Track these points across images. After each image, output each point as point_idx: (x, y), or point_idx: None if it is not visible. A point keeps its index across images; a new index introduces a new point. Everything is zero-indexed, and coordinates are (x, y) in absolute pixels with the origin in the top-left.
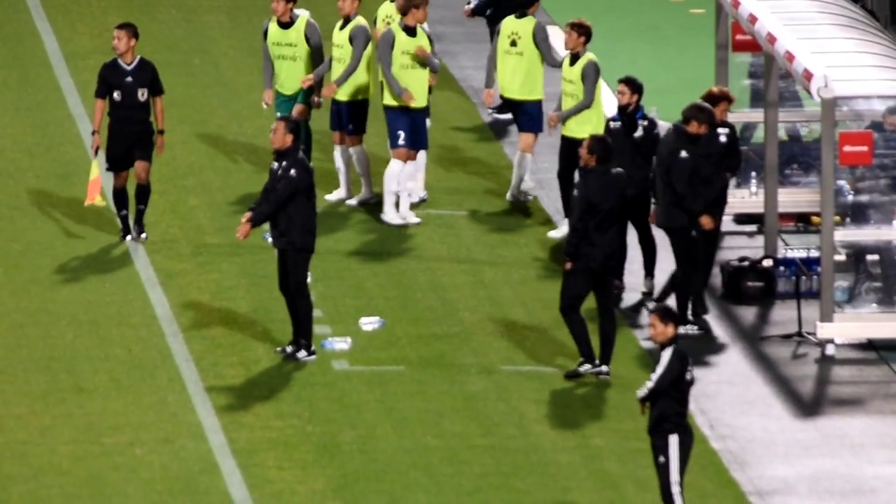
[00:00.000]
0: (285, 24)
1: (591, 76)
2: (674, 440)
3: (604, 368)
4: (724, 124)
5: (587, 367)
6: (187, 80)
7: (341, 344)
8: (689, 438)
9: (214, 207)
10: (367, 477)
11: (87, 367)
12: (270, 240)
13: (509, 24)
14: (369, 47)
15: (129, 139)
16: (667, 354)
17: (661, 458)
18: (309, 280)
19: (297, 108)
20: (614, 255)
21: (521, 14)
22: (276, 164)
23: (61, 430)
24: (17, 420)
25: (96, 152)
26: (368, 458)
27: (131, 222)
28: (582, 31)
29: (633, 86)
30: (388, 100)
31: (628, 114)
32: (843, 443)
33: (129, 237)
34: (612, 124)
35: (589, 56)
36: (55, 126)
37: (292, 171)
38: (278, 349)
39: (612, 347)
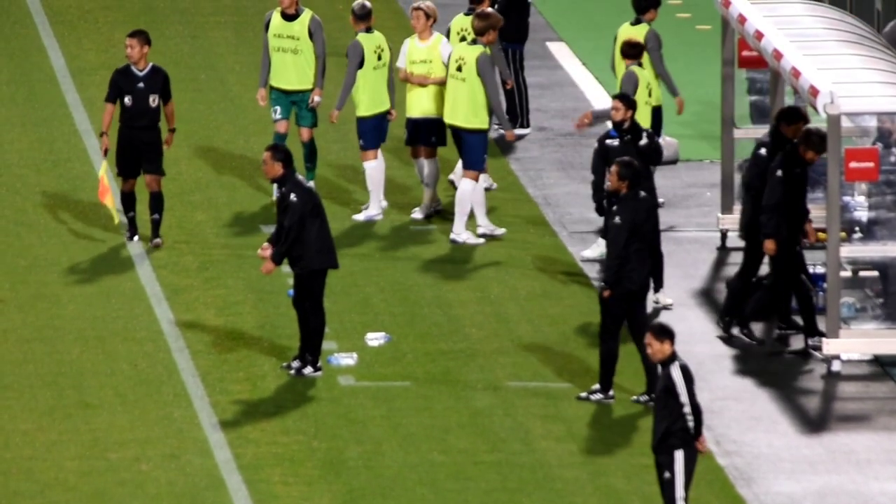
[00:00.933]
0: (290, 17)
1: (628, 86)
2: (679, 456)
3: (642, 398)
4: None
5: (599, 396)
6: (194, 96)
7: (347, 360)
8: (694, 454)
9: (221, 223)
10: (372, 493)
11: (93, 382)
12: (293, 294)
13: (458, 49)
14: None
15: (138, 146)
16: (675, 371)
17: (667, 474)
18: None
19: (305, 133)
20: (649, 277)
21: (473, 41)
22: (277, 192)
23: (67, 446)
24: (24, 436)
25: (105, 154)
26: (374, 473)
27: (141, 228)
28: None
29: (628, 102)
30: (480, 123)
31: (625, 129)
32: (849, 459)
33: (135, 237)
34: (608, 141)
35: (635, 69)
36: (62, 142)
37: (292, 197)
38: (284, 365)
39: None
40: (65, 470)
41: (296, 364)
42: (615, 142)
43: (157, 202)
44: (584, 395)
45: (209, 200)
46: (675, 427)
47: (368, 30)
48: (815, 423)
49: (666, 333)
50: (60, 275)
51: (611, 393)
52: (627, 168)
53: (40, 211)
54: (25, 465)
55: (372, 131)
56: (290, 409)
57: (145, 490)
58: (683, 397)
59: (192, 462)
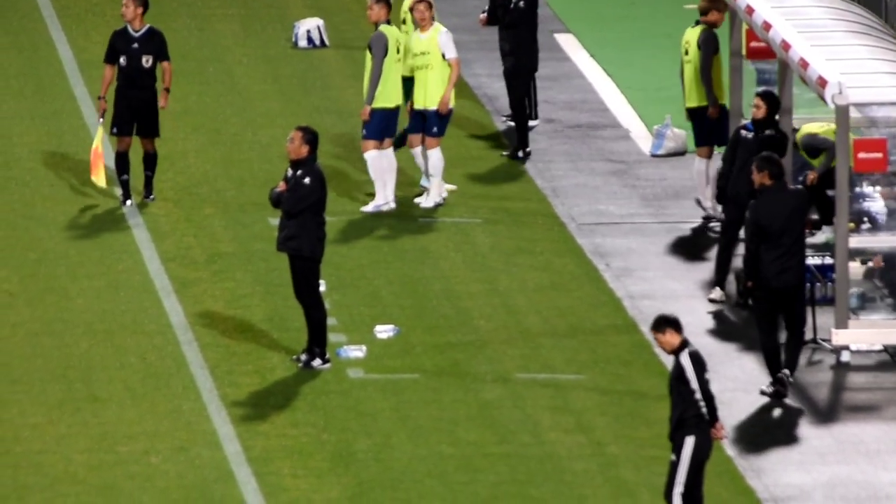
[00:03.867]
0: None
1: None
2: (689, 441)
3: (786, 372)
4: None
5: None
6: (201, 89)
7: (356, 352)
8: (707, 442)
9: (229, 216)
10: (382, 485)
11: (103, 375)
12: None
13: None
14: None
15: (134, 105)
16: (685, 358)
17: (673, 457)
18: (323, 289)
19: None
20: (790, 272)
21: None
22: (290, 172)
23: (77, 440)
24: (33, 429)
25: (102, 116)
26: (384, 466)
27: (134, 189)
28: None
29: (770, 100)
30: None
31: (761, 126)
32: (858, 449)
33: (129, 202)
34: (742, 133)
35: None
36: (70, 135)
37: (306, 180)
38: (293, 357)
39: (797, 358)
40: (74, 463)
41: (304, 357)
42: (749, 134)
43: (150, 161)
44: (765, 389)
45: (217, 193)
46: (688, 414)
47: (388, 22)
48: (824, 414)
49: (666, 323)
50: (69, 268)
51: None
52: (766, 161)
53: (49, 204)
54: (35, 459)
55: (376, 123)
56: (299, 402)
57: (154, 483)
58: (694, 384)
59: (202, 455)
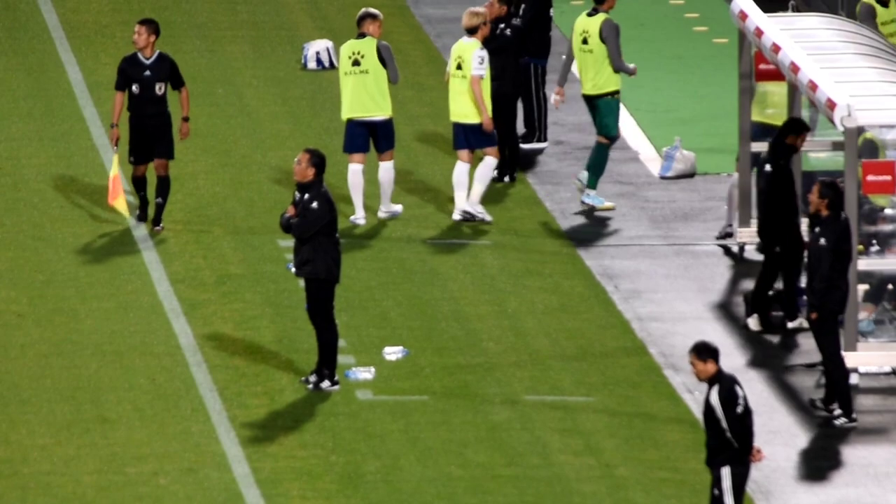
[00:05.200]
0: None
1: None
2: (726, 473)
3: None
4: None
5: (843, 420)
6: (211, 111)
7: (365, 374)
8: (744, 469)
9: (238, 237)
10: None
11: (111, 397)
12: (293, 269)
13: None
14: None
15: (147, 132)
16: (714, 396)
17: (716, 491)
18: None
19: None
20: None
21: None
22: (298, 196)
23: (85, 461)
24: (42, 450)
25: (116, 143)
26: (392, 488)
27: (151, 212)
28: None
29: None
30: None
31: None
32: (867, 472)
33: (143, 222)
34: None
35: None
36: (79, 156)
37: (314, 205)
38: (302, 379)
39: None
40: (83, 485)
41: (313, 378)
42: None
43: (163, 186)
44: (825, 413)
45: (226, 215)
46: (722, 445)
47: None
48: (833, 436)
49: (709, 353)
50: (78, 289)
51: (853, 416)
52: (829, 188)
53: (58, 226)
54: (44, 480)
55: (347, 136)
56: (308, 424)
57: None
58: (724, 423)
59: (210, 476)
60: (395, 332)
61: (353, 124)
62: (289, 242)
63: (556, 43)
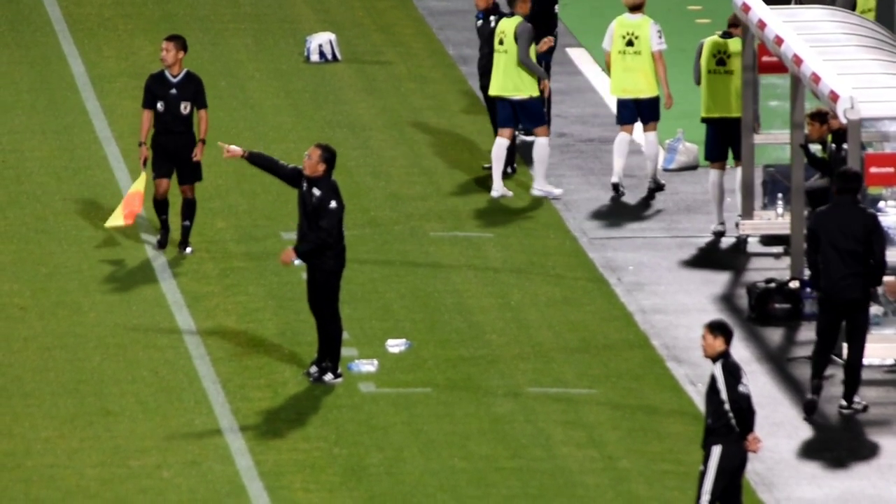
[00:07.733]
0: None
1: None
2: (716, 451)
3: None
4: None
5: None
6: (214, 103)
7: (368, 366)
8: (735, 451)
9: (241, 230)
10: (394, 499)
11: (115, 389)
12: (297, 261)
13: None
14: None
15: (171, 151)
16: (718, 369)
17: (701, 468)
18: None
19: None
20: (870, 285)
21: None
22: (305, 187)
23: (89, 453)
24: (45, 443)
25: (144, 164)
26: (395, 480)
27: (171, 234)
28: None
29: (821, 119)
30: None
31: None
32: (870, 464)
33: (165, 247)
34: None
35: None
36: (82, 149)
37: (333, 204)
38: (305, 371)
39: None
40: (86, 477)
41: (314, 370)
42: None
43: (189, 209)
44: (845, 405)
45: (229, 207)
46: (717, 424)
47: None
48: (836, 429)
49: (721, 330)
50: (81, 282)
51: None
52: (840, 177)
53: (61, 218)
54: (47, 473)
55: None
56: (311, 416)
57: (166, 497)
58: (723, 394)
59: (214, 469)
60: (398, 325)
61: (497, 101)
62: (292, 234)
63: (562, 36)
